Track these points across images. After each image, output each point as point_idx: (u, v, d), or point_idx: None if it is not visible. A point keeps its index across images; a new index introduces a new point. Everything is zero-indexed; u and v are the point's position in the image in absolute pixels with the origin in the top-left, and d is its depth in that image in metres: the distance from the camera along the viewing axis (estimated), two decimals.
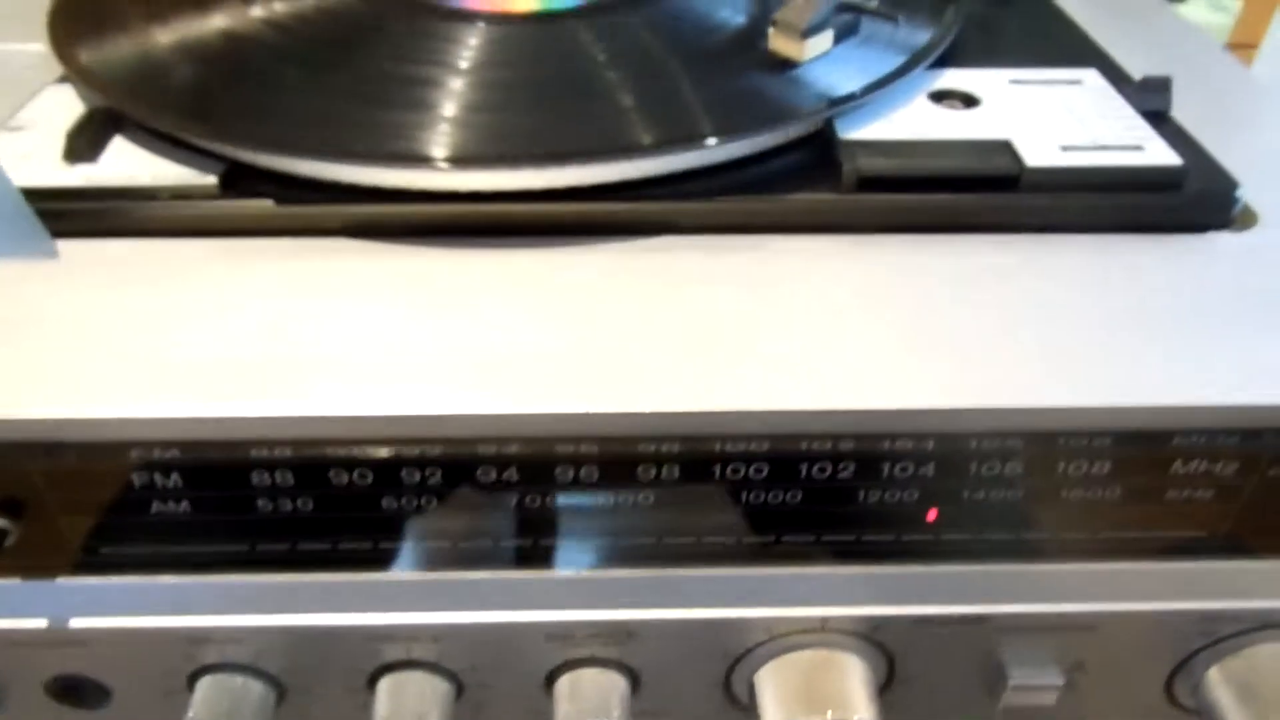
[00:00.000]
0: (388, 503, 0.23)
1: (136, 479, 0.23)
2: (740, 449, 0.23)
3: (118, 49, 0.36)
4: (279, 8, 0.38)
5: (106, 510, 0.23)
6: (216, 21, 0.37)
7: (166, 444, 0.22)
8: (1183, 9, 0.88)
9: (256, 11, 0.38)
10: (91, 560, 0.24)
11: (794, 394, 0.22)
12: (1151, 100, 0.34)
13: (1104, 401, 0.22)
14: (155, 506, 0.23)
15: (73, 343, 0.23)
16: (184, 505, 0.23)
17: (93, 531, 0.24)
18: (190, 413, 0.21)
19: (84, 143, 0.32)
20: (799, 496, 0.24)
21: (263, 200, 0.29)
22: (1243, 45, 0.72)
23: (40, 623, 0.25)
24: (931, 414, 0.22)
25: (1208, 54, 0.41)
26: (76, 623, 0.25)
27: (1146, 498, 0.24)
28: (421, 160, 0.29)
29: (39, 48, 0.39)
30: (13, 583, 0.25)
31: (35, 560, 0.24)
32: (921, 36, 0.36)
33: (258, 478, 0.23)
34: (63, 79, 0.36)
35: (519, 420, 0.22)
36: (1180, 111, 0.34)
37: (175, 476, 0.23)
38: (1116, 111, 0.34)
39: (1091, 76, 0.36)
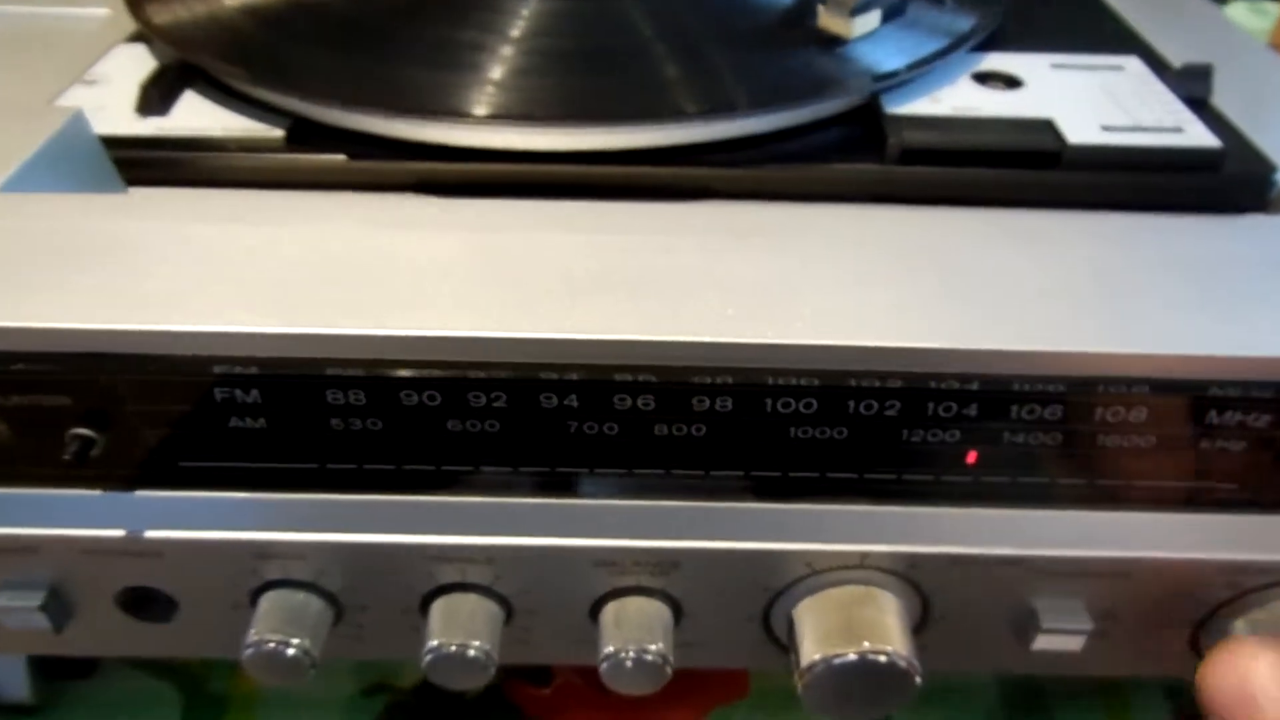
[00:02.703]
0: (452, 425, 0.24)
1: (216, 394, 0.24)
2: (790, 384, 0.24)
3: (189, 8, 0.37)
4: None
5: (185, 424, 0.25)
6: None
7: (246, 360, 0.23)
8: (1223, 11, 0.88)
9: None
10: (169, 474, 0.26)
11: (842, 331, 0.23)
12: (1192, 87, 0.35)
13: (1142, 348, 0.23)
14: (233, 422, 0.24)
15: (156, 266, 0.24)
16: (260, 421, 0.24)
17: (171, 445, 0.25)
18: (270, 329, 0.22)
19: (156, 95, 0.33)
20: (844, 433, 0.25)
21: (334, 155, 0.30)
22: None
23: (117, 533, 0.26)
24: (976, 355, 0.23)
25: (1249, 48, 0.41)
26: (151, 534, 0.26)
27: (1180, 447, 0.25)
28: (489, 118, 0.30)
29: (104, 12, 0.40)
30: (94, 494, 0.26)
31: (116, 472, 0.25)
32: (967, 20, 0.37)
33: (331, 396, 0.24)
34: (133, 37, 0.37)
35: (576, 345, 0.23)
36: (1221, 101, 0.34)
37: (254, 393, 0.24)
38: (1157, 96, 0.35)
39: (1133, 63, 0.37)
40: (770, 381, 0.24)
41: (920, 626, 0.28)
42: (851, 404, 0.24)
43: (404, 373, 0.23)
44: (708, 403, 0.24)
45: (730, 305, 0.23)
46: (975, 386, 0.24)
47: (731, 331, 0.23)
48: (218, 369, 0.23)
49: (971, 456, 0.25)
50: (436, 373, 0.23)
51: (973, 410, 0.24)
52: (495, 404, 0.24)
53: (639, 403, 0.24)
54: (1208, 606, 0.27)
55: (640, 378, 0.24)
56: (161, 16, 0.36)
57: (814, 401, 0.24)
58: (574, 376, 0.24)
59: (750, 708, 0.36)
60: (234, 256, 0.25)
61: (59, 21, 0.40)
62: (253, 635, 0.26)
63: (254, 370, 0.23)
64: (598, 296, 0.23)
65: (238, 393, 0.24)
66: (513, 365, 0.23)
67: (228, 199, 0.29)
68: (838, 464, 0.25)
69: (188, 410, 0.24)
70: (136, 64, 0.35)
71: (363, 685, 0.36)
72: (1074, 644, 0.27)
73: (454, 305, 0.23)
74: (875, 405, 0.24)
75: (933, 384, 0.24)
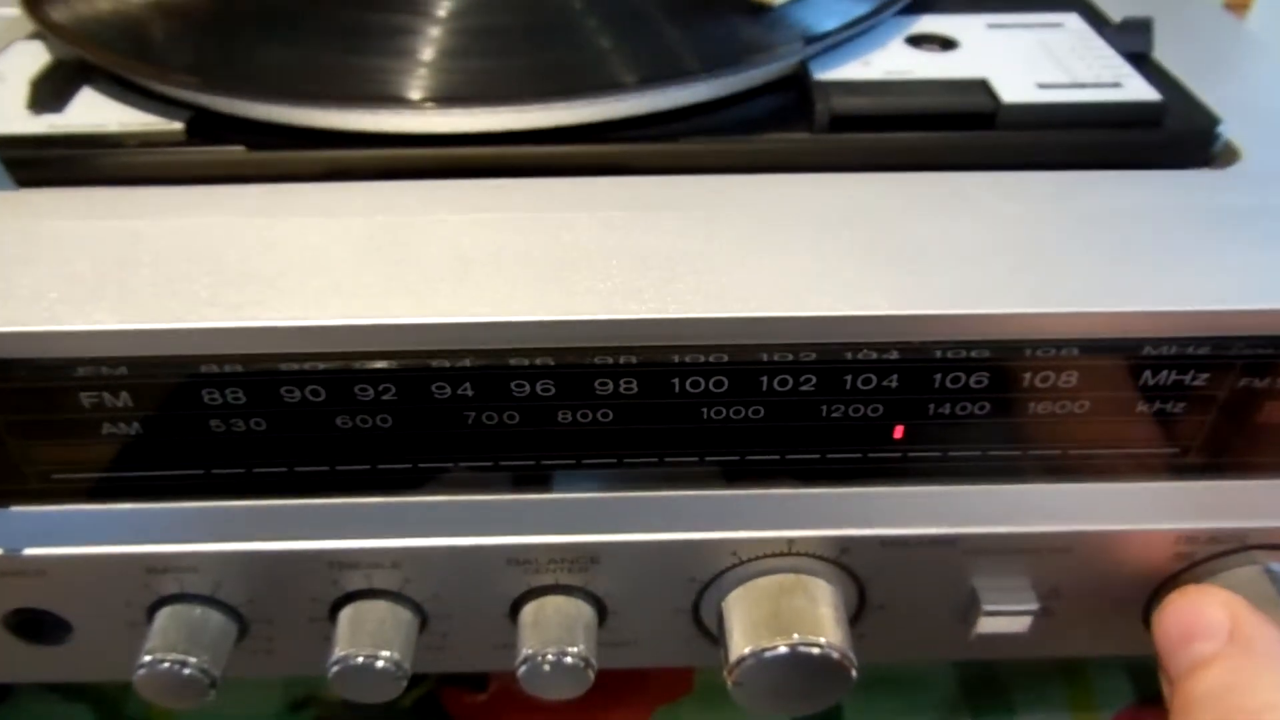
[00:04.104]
0: (341, 421, 0.23)
1: (85, 399, 0.22)
2: (698, 361, 0.22)
3: (87, 2, 0.36)
4: None
5: (57, 434, 0.23)
6: None
7: (112, 360, 0.22)
8: None
9: None
10: (45, 487, 0.24)
11: (747, 302, 0.21)
12: (1132, 41, 0.34)
13: (1070, 307, 0.21)
14: (105, 429, 0.23)
15: (20, 265, 0.23)
16: (135, 426, 0.23)
17: (44, 456, 0.23)
18: (131, 325, 0.21)
19: (49, 91, 0.32)
20: (761, 412, 0.23)
21: (234, 146, 0.29)
22: (1236, 5, 0.71)
23: None
24: (888, 321, 0.21)
25: (1194, 2, 0.40)
26: (31, 551, 0.24)
27: (1117, 411, 0.23)
28: (395, 101, 0.28)
29: (13, 11, 0.39)
30: None
31: None
32: None
33: (208, 396, 0.22)
34: (33, 35, 0.35)
35: (469, 329, 0.21)
36: (1165, 56, 0.33)
37: (124, 396, 0.22)
38: (1097, 52, 0.33)
39: (1072, 20, 0.36)
40: (677, 360, 0.22)
41: (857, 615, 0.27)
42: (765, 380, 0.23)
43: (284, 367, 0.22)
44: (612, 386, 0.22)
45: (630, 280, 0.22)
46: (894, 356, 0.22)
47: (629, 308, 0.21)
48: (81, 371, 0.22)
49: (898, 431, 0.24)
50: (319, 366, 0.22)
51: (894, 381, 0.23)
52: (385, 397, 0.22)
53: (538, 389, 0.22)
54: (1158, 579, 0.26)
55: (537, 361, 0.22)
56: (58, 13, 0.35)
57: (724, 380, 0.22)
58: (467, 363, 0.22)
59: (695, 704, 0.34)
60: (106, 254, 0.23)
61: None
62: (145, 655, 0.24)
63: (122, 371, 0.22)
64: (489, 277, 0.22)
65: (106, 396, 0.22)
66: (399, 354, 0.22)
67: (114, 195, 0.27)
68: (757, 445, 0.24)
69: (55, 418, 0.23)
70: (33, 61, 0.33)
71: (290, 699, 0.35)
72: (1019, 625, 0.26)
73: (334, 293, 0.22)
74: (790, 381, 0.23)
75: (849, 355, 0.22)
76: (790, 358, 0.22)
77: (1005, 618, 0.26)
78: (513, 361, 0.22)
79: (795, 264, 0.22)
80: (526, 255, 0.23)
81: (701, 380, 0.22)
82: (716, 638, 0.27)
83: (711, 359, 0.22)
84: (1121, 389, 0.23)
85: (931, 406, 0.23)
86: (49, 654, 0.27)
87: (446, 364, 0.22)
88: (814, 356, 0.22)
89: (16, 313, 0.21)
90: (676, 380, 0.22)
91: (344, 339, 0.21)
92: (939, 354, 0.22)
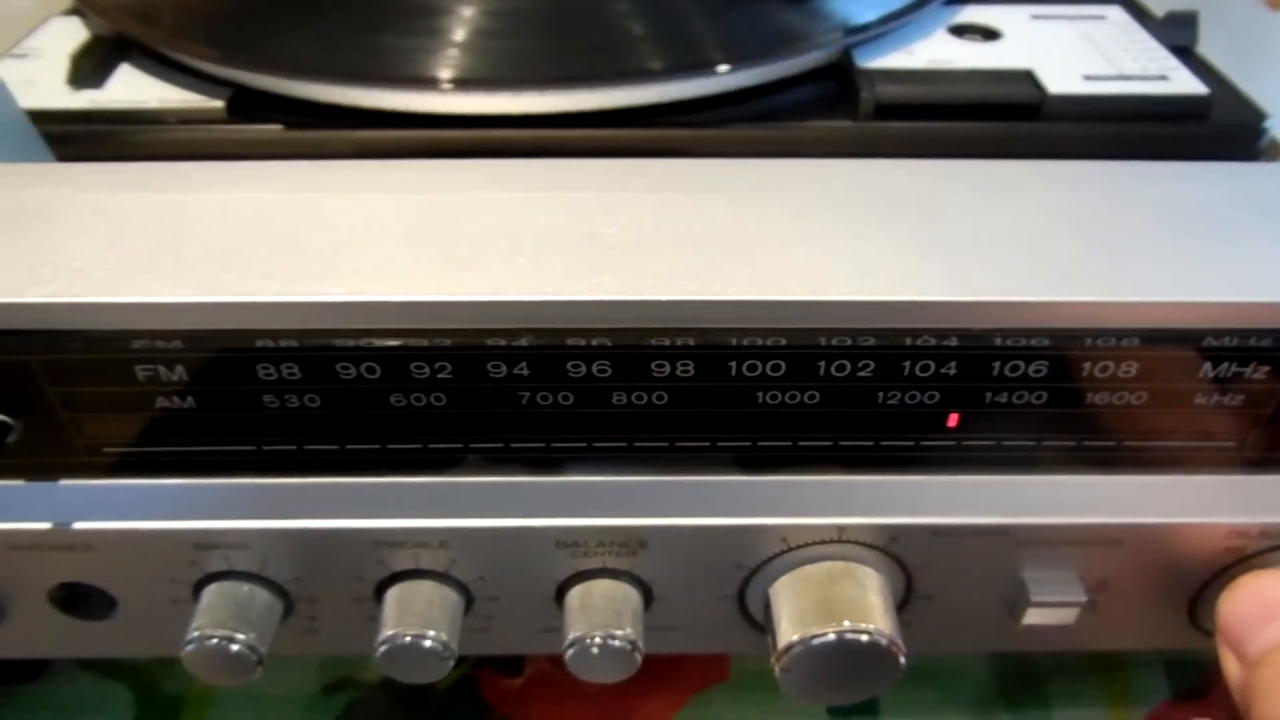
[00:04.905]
0: (395, 399, 0.23)
1: (139, 372, 0.22)
2: (755, 344, 0.22)
3: None
4: None
5: (109, 407, 0.23)
6: None
7: (167, 333, 0.22)
8: None
9: None
10: (95, 461, 0.24)
11: (809, 285, 0.21)
12: (1177, 34, 0.34)
13: (1132, 296, 0.21)
14: (159, 402, 0.23)
15: (72, 237, 0.22)
16: (189, 401, 0.23)
17: (96, 430, 0.23)
18: (188, 298, 0.21)
19: (89, 66, 0.32)
20: (816, 398, 0.23)
21: (271, 125, 0.29)
22: (1275, 2, 0.71)
23: (43, 525, 0.24)
24: (953, 307, 0.21)
25: None
26: (80, 525, 0.24)
27: (1175, 403, 0.23)
28: (433, 83, 0.28)
29: None
30: (15, 484, 0.24)
31: (38, 460, 0.24)
32: None
33: (263, 371, 0.22)
34: (70, 11, 0.35)
35: (529, 308, 0.21)
36: (1207, 50, 0.33)
37: (179, 369, 0.22)
38: (1141, 45, 0.33)
39: (1115, 12, 0.35)
40: (734, 343, 0.22)
41: (904, 603, 0.26)
42: (822, 365, 0.22)
43: (339, 343, 0.22)
44: (668, 368, 0.22)
45: (687, 261, 0.22)
46: (954, 343, 0.22)
47: (689, 289, 0.21)
48: (136, 344, 0.22)
49: (952, 419, 0.23)
50: (374, 342, 0.22)
51: (952, 369, 0.22)
52: (440, 375, 0.22)
53: (594, 369, 0.22)
54: (1208, 574, 0.26)
55: (594, 342, 0.22)
56: None
57: (781, 364, 0.22)
58: (523, 343, 0.22)
59: (730, 691, 0.34)
60: (156, 226, 0.23)
61: None
62: (194, 630, 0.24)
63: (176, 344, 0.22)
64: (544, 256, 0.22)
65: (161, 370, 0.22)
66: (456, 332, 0.22)
67: (157, 169, 0.27)
68: (810, 431, 0.24)
69: (109, 391, 0.22)
70: (69, 36, 0.33)
71: (326, 681, 0.35)
72: (1066, 617, 0.26)
73: (389, 269, 0.21)
74: (848, 366, 0.22)
75: (908, 341, 0.22)
76: (849, 342, 0.22)
77: (1053, 609, 0.26)
78: (569, 342, 0.22)
79: (852, 247, 0.22)
80: (579, 234, 0.22)
81: (758, 364, 0.22)
82: (761, 625, 0.27)
83: (769, 342, 0.22)
84: (1181, 380, 0.23)
85: (988, 395, 0.23)
86: (93, 629, 0.27)
87: (503, 343, 0.22)
88: (873, 342, 0.22)
89: (71, 284, 0.21)
90: (733, 363, 0.22)
91: (403, 315, 0.21)
92: (998, 341, 0.22)
